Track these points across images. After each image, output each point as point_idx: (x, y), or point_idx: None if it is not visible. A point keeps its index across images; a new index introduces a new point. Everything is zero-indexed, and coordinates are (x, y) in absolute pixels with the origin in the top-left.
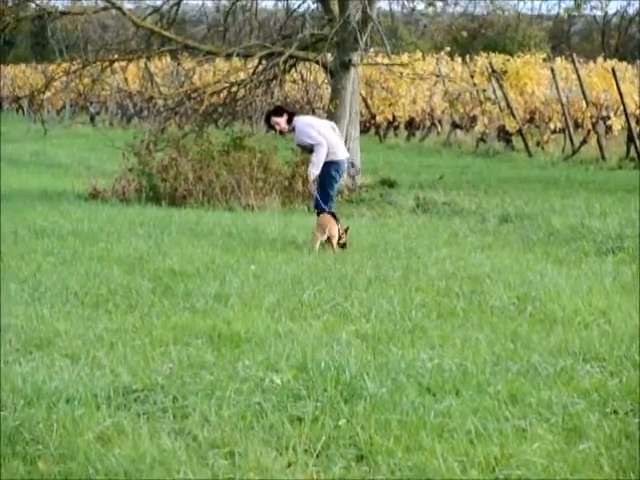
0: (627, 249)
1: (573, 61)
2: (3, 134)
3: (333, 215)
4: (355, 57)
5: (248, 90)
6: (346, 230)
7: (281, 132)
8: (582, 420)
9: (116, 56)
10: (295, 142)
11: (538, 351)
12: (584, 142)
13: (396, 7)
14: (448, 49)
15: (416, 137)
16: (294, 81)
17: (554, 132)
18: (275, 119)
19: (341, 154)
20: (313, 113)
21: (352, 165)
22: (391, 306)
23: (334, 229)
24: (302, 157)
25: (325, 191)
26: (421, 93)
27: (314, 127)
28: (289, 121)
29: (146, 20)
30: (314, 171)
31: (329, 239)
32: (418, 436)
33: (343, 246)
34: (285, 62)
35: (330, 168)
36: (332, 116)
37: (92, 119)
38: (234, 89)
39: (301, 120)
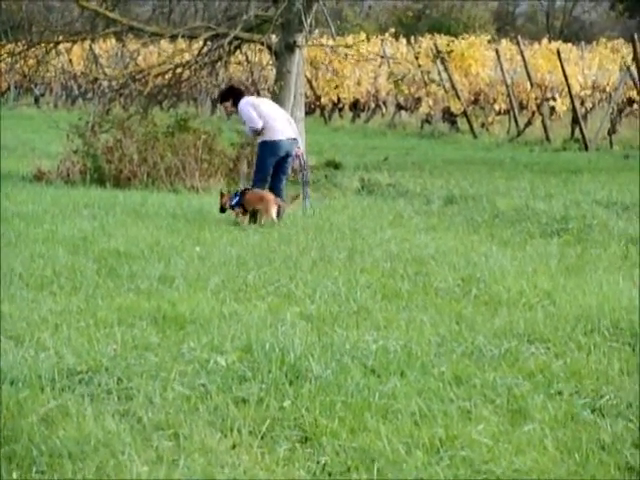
0: (572, 231)
1: (518, 43)
2: None
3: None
4: (300, 39)
5: (193, 72)
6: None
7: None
8: (527, 401)
9: (61, 38)
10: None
11: (483, 333)
12: (529, 123)
13: None
14: (393, 30)
15: (361, 119)
16: (239, 63)
17: (499, 113)
18: (224, 104)
19: (278, 135)
20: (258, 94)
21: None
22: (336, 287)
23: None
24: (247, 139)
25: (257, 172)
26: (366, 75)
27: (254, 106)
28: (235, 104)
29: (91, 1)
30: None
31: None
32: (363, 417)
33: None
34: (230, 43)
35: (264, 148)
36: (277, 98)
37: (37, 101)
38: (179, 70)
39: (244, 100)
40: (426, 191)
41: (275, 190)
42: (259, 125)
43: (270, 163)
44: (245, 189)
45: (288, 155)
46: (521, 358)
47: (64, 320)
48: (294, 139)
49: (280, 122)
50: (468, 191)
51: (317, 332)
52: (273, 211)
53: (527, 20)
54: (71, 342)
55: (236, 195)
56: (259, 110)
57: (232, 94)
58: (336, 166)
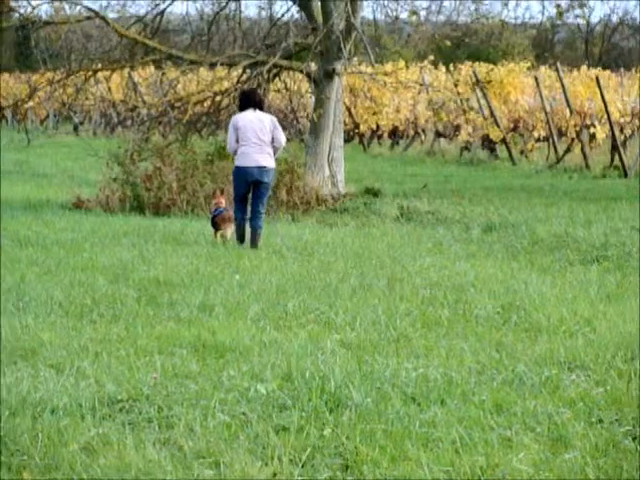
0: (611, 258)
1: (557, 69)
2: None
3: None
4: (339, 66)
5: (232, 99)
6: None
7: None
8: (567, 429)
9: (100, 66)
10: None
11: (523, 360)
12: (568, 151)
13: (379, 16)
14: (432, 58)
15: (400, 146)
16: (278, 90)
17: (538, 140)
18: None
19: (246, 161)
20: (297, 122)
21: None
22: (376, 315)
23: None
24: (284, 167)
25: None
26: (405, 102)
27: (236, 127)
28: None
29: (130, 29)
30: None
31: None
32: (403, 446)
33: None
34: (269, 71)
35: (234, 172)
36: (316, 125)
37: (76, 129)
38: (218, 98)
39: (233, 117)
40: (465, 218)
41: (253, 212)
42: (232, 150)
43: (240, 187)
44: (218, 212)
45: (260, 182)
46: (562, 386)
47: (104, 348)
48: (264, 167)
49: (253, 148)
50: (507, 218)
51: (357, 360)
52: (228, 231)
53: (566, 47)
54: (111, 370)
55: (214, 214)
56: (239, 133)
57: (240, 102)
58: (375, 193)
